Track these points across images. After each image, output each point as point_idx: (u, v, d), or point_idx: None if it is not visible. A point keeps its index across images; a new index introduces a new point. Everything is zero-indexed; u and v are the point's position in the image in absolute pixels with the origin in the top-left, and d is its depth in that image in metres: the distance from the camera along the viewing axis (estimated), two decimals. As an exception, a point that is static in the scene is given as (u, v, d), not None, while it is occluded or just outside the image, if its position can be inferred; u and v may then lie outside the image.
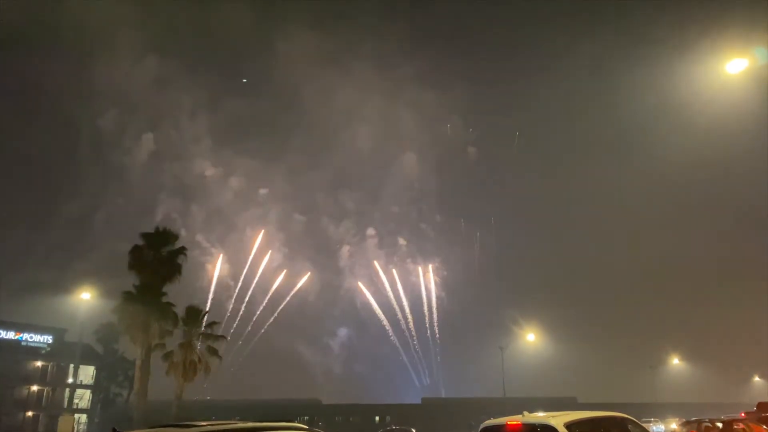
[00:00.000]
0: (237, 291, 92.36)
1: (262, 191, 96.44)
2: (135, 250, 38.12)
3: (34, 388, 66.72)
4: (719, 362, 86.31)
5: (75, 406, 68.71)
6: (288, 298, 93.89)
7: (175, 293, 38.95)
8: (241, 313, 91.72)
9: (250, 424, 8.24)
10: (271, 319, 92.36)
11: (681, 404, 69.86)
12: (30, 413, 65.44)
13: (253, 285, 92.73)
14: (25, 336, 68.53)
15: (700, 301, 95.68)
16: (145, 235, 38.87)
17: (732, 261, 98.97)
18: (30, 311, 70.40)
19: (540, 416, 9.95)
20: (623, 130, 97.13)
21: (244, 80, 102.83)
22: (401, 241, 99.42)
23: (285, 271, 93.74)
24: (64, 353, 67.20)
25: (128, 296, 37.28)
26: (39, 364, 67.55)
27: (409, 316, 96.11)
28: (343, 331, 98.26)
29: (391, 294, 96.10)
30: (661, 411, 62.20)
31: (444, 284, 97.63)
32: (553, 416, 9.46)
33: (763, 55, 21.04)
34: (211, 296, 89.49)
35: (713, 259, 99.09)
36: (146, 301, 36.61)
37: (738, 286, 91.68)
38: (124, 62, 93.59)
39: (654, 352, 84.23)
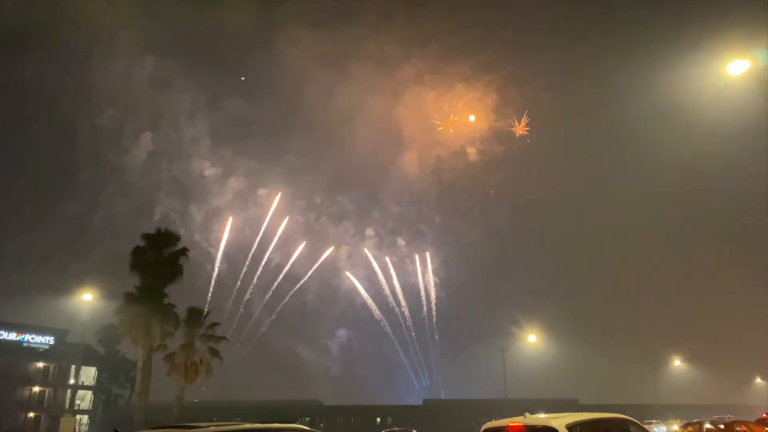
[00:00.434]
0: (236, 291, 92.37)
1: (261, 191, 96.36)
2: (136, 251, 38.19)
3: (36, 389, 66.77)
4: (721, 364, 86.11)
5: (76, 407, 68.83)
6: (287, 299, 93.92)
7: (174, 293, 39.08)
8: (240, 313, 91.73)
9: (251, 425, 8.27)
10: (272, 317, 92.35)
11: (683, 406, 69.79)
12: (32, 414, 65.48)
13: (252, 285, 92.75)
14: (27, 337, 68.63)
15: (701, 302, 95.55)
16: (146, 236, 38.93)
17: (734, 262, 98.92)
18: (31, 312, 70.70)
19: (542, 418, 9.95)
20: (624, 131, 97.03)
21: (242, 78, 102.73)
22: (400, 242, 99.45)
23: (285, 271, 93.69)
24: (65, 354, 67.29)
25: (130, 297, 37.36)
26: (40, 365, 67.59)
27: (408, 317, 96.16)
28: (342, 332, 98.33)
29: (390, 294, 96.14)
30: (662, 412, 62.10)
31: (444, 285, 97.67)
32: (554, 418, 9.47)
33: (764, 56, 21.08)
34: (209, 296, 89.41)
35: (715, 261, 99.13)
36: (148, 303, 36.68)
37: (740, 287, 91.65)
38: (123, 62, 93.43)
39: (656, 354, 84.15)
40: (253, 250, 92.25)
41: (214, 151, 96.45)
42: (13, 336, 67.60)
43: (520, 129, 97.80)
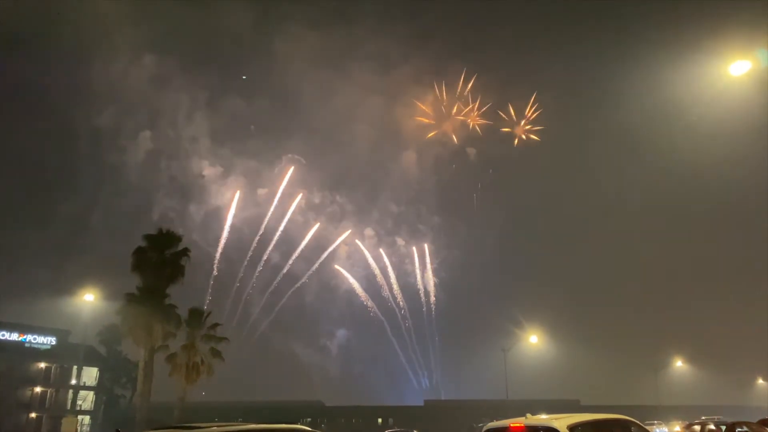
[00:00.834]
0: (234, 291, 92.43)
1: (261, 191, 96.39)
2: (138, 252, 38.17)
3: (38, 389, 66.84)
4: (723, 365, 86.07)
5: (78, 408, 68.89)
6: (285, 299, 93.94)
7: (174, 293, 39.07)
8: (239, 313, 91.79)
9: (253, 426, 8.28)
10: (271, 317, 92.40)
11: (684, 407, 69.66)
12: (33, 414, 65.55)
13: (251, 285, 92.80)
14: (29, 337, 68.72)
15: (703, 303, 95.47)
16: (148, 237, 38.90)
17: (735, 263, 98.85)
18: (33, 313, 70.77)
19: (543, 418, 9.97)
20: (625, 131, 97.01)
21: (244, 77, 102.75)
22: (400, 242, 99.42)
23: (284, 271, 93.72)
24: (67, 355, 67.33)
25: (131, 298, 37.34)
26: (42, 365, 67.66)
27: (408, 318, 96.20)
28: (342, 333, 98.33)
29: (389, 295, 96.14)
30: (664, 414, 62.00)
31: (444, 285, 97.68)
32: (556, 418, 9.49)
33: (766, 57, 21.06)
34: (208, 297, 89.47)
35: (716, 261, 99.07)
36: (149, 303, 36.66)
37: (742, 288, 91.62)
38: (122, 61, 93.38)
39: (657, 355, 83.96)
40: (252, 249, 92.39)
41: (213, 150, 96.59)
42: (15, 336, 67.69)
43: (521, 129, 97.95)
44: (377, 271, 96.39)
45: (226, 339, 41.89)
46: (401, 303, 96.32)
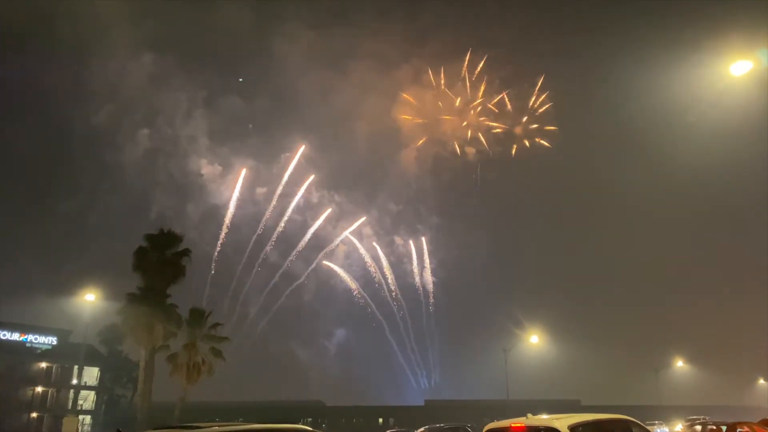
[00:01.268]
0: (231, 290, 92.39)
1: (260, 190, 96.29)
2: (139, 252, 38.24)
3: (39, 389, 66.86)
4: (724, 365, 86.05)
5: (79, 408, 68.91)
6: (282, 299, 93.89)
7: (174, 292, 39.13)
8: (237, 312, 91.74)
9: (254, 426, 8.30)
10: (269, 316, 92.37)
11: (685, 407, 69.66)
12: (34, 414, 65.58)
13: (248, 284, 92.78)
14: (30, 337, 68.74)
15: (704, 303, 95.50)
16: (148, 237, 38.96)
17: (736, 263, 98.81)
18: (34, 313, 70.77)
19: (544, 419, 9.99)
20: (625, 132, 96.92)
21: (240, 79, 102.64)
22: (398, 241, 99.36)
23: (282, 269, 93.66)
24: (68, 354, 67.34)
25: (132, 298, 37.41)
26: (43, 365, 67.68)
27: (408, 317, 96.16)
28: (341, 332, 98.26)
29: (388, 294, 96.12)
30: (665, 414, 62.03)
31: (443, 285, 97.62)
32: (556, 419, 9.51)
33: (767, 57, 21.04)
34: (206, 296, 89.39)
35: (718, 261, 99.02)
36: (150, 303, 36.73)
37: (743, 288, 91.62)
38: (120, 59, 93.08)
39: (658, 355, 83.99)
40: (249, 248, 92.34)
41: (212, 149, 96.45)
42: (16, 336, 67.72)
43: (521, 129, 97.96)
44: (376, 271, 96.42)
45: (227, 339, 41.96)
46: (401, 302, 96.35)
